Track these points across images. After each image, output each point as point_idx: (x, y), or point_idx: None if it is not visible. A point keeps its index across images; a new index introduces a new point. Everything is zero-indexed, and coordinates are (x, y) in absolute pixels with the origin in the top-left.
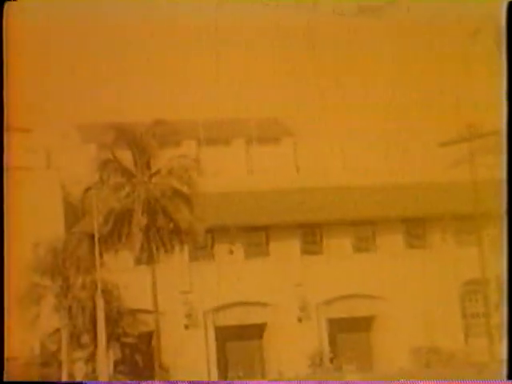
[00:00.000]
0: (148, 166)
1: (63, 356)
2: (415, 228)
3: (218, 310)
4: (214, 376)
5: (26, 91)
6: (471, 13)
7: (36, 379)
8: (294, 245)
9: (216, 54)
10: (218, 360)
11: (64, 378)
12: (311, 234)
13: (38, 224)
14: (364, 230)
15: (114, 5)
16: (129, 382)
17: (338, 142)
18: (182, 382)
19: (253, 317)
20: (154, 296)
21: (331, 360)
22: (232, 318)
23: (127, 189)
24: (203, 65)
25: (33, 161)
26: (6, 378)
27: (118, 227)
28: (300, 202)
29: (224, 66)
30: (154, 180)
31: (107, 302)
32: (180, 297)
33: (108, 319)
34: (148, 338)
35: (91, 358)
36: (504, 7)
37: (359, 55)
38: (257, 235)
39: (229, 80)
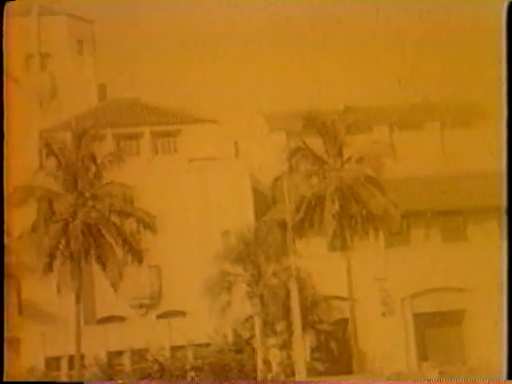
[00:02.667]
0: (340, 153)
1: (257, 343)
2: None
3: (415, 296)
4: (413, 363)
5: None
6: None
7: (231, 365)
8: (493, 229)
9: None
10: (417, 347)
11: (259, 365)
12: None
13: (227, 213)
14: None
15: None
16: None
17: None
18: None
19: (451, 303)
20: (349, 283)
21: None
22: (430, 305)
23: (319, 176)
24: (389, 52)
25: (221, 151)
26: (5, 378)
27: (309, 214)
28: (497, 185)
29: (412, 50)
30: (346, 167)
31: (300, 289)
32: (376, 283)
33: (302, 306)
34: (344, 325)
35: (286, 345)
36: (504, 7)
37: None
38: (454, 219)
39: (420, 64)
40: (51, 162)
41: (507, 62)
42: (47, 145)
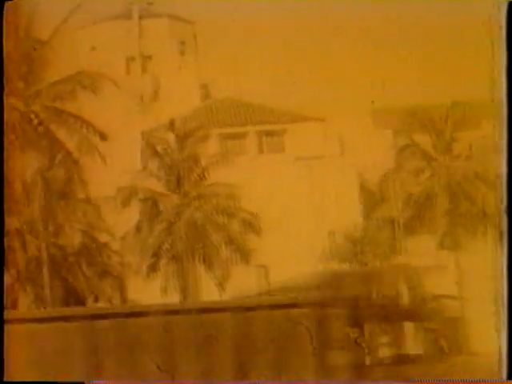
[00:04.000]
0: (448, 149)
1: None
2: None
3: None
4: None
5: None
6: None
7: None
8: None
9: None
10: None
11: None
12: None
13: (334, 211)
14: None
15: None
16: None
17: None
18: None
19: None
20: (459, 282)
21: None
22: None
23: (427, 173)
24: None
25: (327, 149)
26: (6, 378)
27: (418, 212)
28: None
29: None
30: (455, 163)
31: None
32: (486, 282)
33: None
34: (454, 323)
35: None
36: (504, 7)
37: None
38: None
39: None
40: (154, 163)
41: (507, 62)
42: (150, 146)
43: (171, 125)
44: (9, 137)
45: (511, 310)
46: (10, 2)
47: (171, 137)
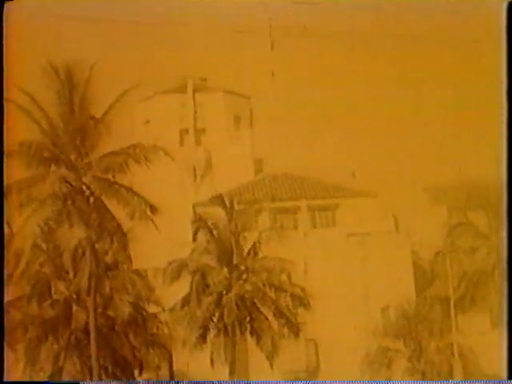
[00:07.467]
0: (502, 228)
1: None
2: None
3: None
4: None
5: None
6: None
7: None
8: None
9: None
10: None
11: None
12: None
13: (387, 288)
14: None
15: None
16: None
17: None
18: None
19: None
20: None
21: None
22: None
23: (482, 252)
24: None
25: (381, 225)
26: (6, 378)
27: (472, 290)
28: None
29: None
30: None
31: (464, 367)
32: None
33: None
34: None
35: None
36: (504, 7)
37: None
38: None
39: None
40: (205, 236)
41: (507, 63)
42: (201, 219)
43: (221, 199)
44: (58, 206)
45: (511, 309)
46: (10, 1)
47: (221, 210)
